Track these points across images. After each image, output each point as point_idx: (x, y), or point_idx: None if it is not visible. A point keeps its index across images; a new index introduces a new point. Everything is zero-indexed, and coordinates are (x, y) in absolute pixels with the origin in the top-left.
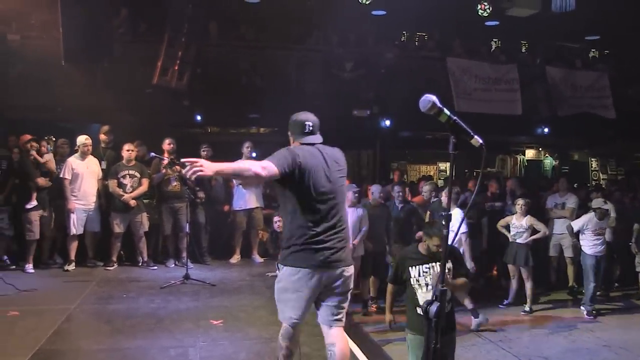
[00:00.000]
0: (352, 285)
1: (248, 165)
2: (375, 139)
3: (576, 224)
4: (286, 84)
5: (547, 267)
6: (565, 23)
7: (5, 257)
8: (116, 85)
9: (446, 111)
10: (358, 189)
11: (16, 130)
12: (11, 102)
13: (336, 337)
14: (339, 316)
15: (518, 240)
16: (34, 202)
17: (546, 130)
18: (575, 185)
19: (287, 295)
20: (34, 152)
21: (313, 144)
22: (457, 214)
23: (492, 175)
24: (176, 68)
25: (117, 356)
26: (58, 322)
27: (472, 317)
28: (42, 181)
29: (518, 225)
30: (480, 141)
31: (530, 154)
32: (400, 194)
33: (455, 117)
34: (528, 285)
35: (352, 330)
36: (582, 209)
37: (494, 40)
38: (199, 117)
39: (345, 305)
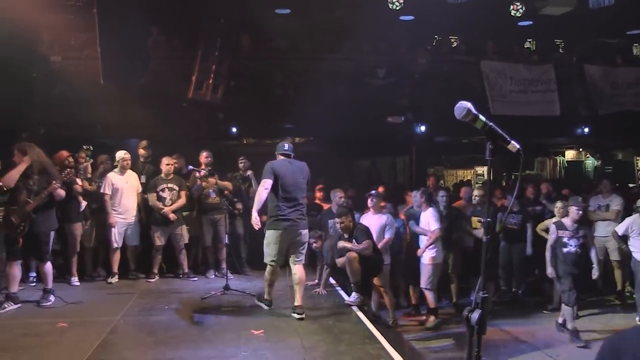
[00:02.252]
0: (306, 240)
1: (261, 193)
2: (411, 145)
3: (620, 228)
4: (319, 93)
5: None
6: (603, 18)
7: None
8: (152, 100)
9: (482, 117)
10: (376, 193)
11: (58, 148)
12: (53, 121)
13: (298, 270)
14: (298, 259)
15: None
16: (84, 204)
17: (586, 130)
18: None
19: (270, 246)
20: (76, 180)
21: (287, 157)
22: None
23: (530, 179)
24: (210, 82)
25: None
26: (103, 333)
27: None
28: (79, 188)
29: None
30: (518, 146)
31: (570, 155)
32: (445, 198)
33: (491, 123)
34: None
35: (393, 339)
36: (628, 210)
37: (528, 40)
38: (234, 129)
39: (303, 251)
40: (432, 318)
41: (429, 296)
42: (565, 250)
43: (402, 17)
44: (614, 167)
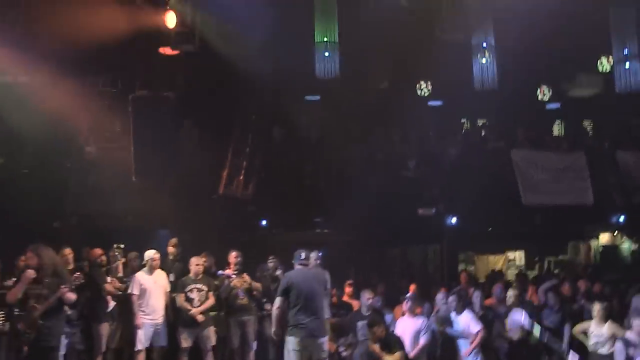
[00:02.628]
0: (326, 348)
1: (273, 313)
2: (442, 236)
3: None
4: (349, 184)
5: None
6: (633, 100)
7: None
8: (183, 192)
9: (536, 330)
10: (412, 296)
11: (89, 239)
12: (86, 211)
13: None
14: None
15: (600, 351)
16: (112, 304)
17: (622, 218)
18: None
19: (290, 353)
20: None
21: (304, 266)
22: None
23: (563, 265)
24: (241, 178)
25: None
26: None
27: None
28: (110, 287)
29: (598, 333)
30: (577, 358)
31: (605, 238)
32: (480, 299)
33: (546, 336)
34: None
35: None
36: None
37: (557, 121)
38: (264, 222)
39: (325, 357)
40: None
41: None
42: None
43: (430, 102)
44: None
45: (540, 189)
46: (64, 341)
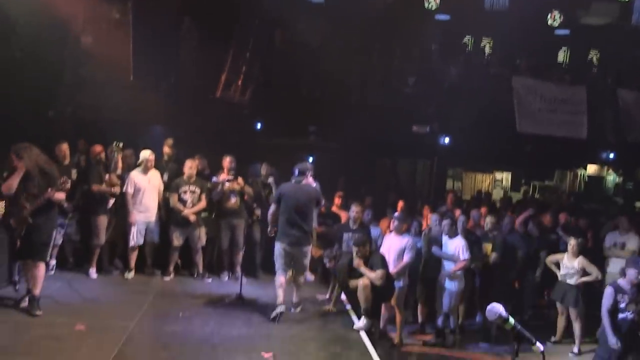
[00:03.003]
0: (309, 255)
1: (269, 216)
2: (433, 153)
3: None
4: (346, 95)
5: (600, 304)
6: None
7: (71, 259)
8: (179, 92)
9: (511, 320)
10: (399, 216)
11: (84, 131)
12: (81, 102)
13: (299, 279)
14: (301, 270)
15: (568, 281)
16: (112, 201)
17: (611, 155)
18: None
19: (276, 257)
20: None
21: (297, 182)
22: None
23: (549, 191)
24: (239, 83)
25: None
26: (119, 343)
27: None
28: (98, 188)
29: (569, 265)
30: (542, 348)
31: (591, 169)
32: (464, 224)
33: (519, 327)
34: (577, 326)
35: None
36: None
37: (563, 48)
38: (258, 125)
39: (305, 264)
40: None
41: (451, 320)
42: (620, 316)
43: (437, 16)
44: (635, 185)
45: (536, 117)
46: (60, 232)
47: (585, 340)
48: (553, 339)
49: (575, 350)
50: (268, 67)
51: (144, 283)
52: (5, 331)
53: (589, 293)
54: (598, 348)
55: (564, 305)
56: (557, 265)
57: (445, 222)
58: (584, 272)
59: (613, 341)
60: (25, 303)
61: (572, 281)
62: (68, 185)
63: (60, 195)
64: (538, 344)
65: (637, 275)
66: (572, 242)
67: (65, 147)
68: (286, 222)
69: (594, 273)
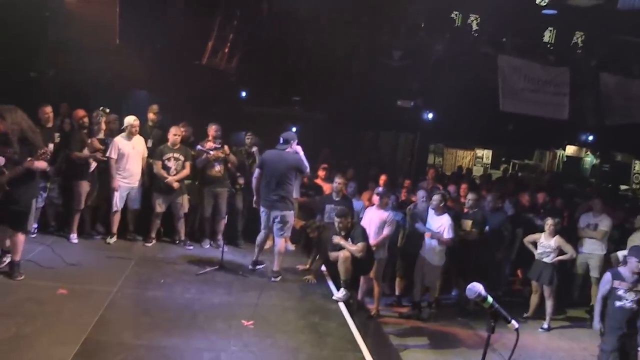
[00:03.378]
0: (287, 220)
1: (252, 181)
2: (416, 127)
3: (622, 253)
4: (331, 67)
5: (571, 283)
6: (630, 18)
7: (53, 224)
8: (165, 55)
9: (489, 299)
10: (382, 191)
11: (68, 94)
12: (64, 64)
13: (278, 242)
14: (279, 233)
15: (544, 260)
16: (94, 165)
17: (590, 138)
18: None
19: (260, 218)
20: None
21: (278, 150)
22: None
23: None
24: (226, 51)
25: (155, 355)
26: (101, 307)
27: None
28: (79, 154)
29: (546, 244)
30: (516, 326)
31: (570, 150)
32: (442, 204)
33: (496, 305)
34: (549, 304)
35: (372, 329)
36: (618, 230)
37: (549, 28)
38: (243, 94)
39: (284, 228)
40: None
41: (431, 292)
42: (618, 304)
43: None
44: (612, 167)
45: (519, 97)
46: (42, 195)
47: (555, 318)
48: (525, 315)
49: (545, 326)
50: (255, 36)
51: (126, 249)
52: None
53: (561, 273)
54: (602, 343)
55: (539, 283)
56: (534, 244)
57: (436, 198)
58: (560, 251)
59: (597, 326)
60: (5, 267)
61: (548, 259)
62: (49, 156)
63: (41, 164)
64: (513, 321)
65: (638, 264)
66: (549, 222)
67: (48, 109)
68: (265, 187)
69: (569, 252)
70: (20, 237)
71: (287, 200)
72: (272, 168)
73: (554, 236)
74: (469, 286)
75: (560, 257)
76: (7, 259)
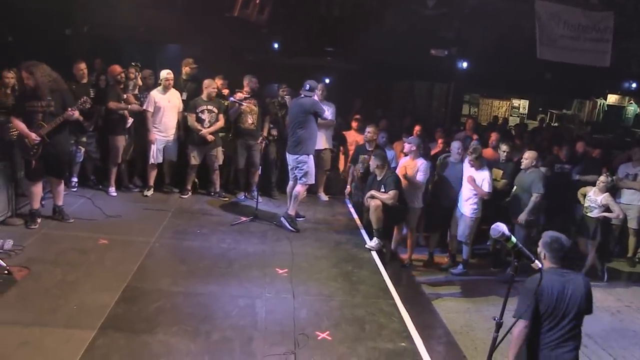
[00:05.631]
0: (300, 165)
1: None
2: (451, 77)
3: None
4: (365, 16)
5: (608, 235)
6: None
7: (93, 177)
8: (196, 8)
9: (513, 239)
10: (416, 141)
11: (101, 49)
12: (97, 20)
13: (296, 187)
14: (297, 178)
15: (589, 214)
16: (130, 121)
17: (634, 85)
18: None
19: None
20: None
21: (300, 97)
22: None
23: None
24: (257, 2)
25: (192, 301)
26: (141, 257)
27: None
28: (114, 105)
29: (593, 199)
30: (540, 266)
31: (612, 99)
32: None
33: (520, 245)
34: (590, 257)
35: (404, 278)
36: None
37: None
38: (276, 45)
39: (300, 173)
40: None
41: (465, 249)
42: None
43: None
44: None
45: (557, 44)
46: (80, 150)
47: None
48: None
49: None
50: None
51: (163, 201)
52: (34, 244)
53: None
54: None
55: (583, 237)
56: (584, 196)
57: (473, 155)
58: (607, 209)
59: None
60: (53, 214)
61: (592, 214)
62: (89, 105)
63: (76, 114)
64: (536, 261)
65: None
66: (601, 179)
67: (83, 66)
68: (289, 134)
69: (616, 211)
70: (62, 185)
71: (302, 144)
72: (291, 114)
73: (603, 193)
74: (492, 226)
75: (605, 214)
76: (35, 225)
